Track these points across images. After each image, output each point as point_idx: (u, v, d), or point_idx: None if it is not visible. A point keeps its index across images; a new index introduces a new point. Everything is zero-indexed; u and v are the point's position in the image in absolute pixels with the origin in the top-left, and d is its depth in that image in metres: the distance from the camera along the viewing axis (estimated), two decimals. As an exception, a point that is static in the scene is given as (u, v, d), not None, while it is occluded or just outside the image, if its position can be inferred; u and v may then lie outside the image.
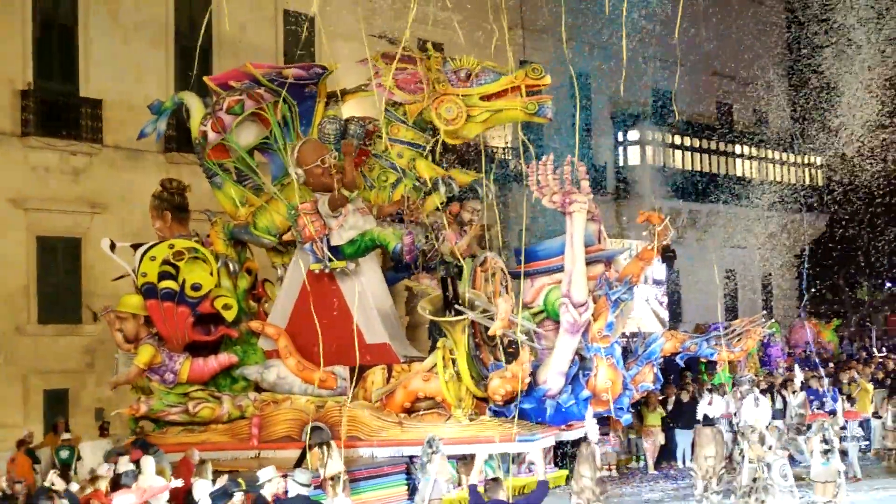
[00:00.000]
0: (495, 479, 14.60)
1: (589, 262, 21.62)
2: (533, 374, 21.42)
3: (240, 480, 16.41)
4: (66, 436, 23.21)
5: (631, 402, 22.63)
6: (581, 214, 20.78)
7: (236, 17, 31.47)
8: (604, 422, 23.68)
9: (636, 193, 42.01)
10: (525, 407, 21.26)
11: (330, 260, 22.23)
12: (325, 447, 19.72)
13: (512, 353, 21.68)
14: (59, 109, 28.09)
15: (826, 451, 20.10)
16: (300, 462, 19.72)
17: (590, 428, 20.16)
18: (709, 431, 22.28)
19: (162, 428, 23.08)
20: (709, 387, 27.18)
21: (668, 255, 23.17)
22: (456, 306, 21.47)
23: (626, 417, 22.74)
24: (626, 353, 23.52)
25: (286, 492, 16.22)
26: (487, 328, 21.59)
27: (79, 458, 22.03)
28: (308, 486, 16.00)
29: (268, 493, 16.20)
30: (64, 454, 22.47)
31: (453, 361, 21.31)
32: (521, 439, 21.08)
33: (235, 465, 21.28)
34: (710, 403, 24.70)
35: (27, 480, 20.03)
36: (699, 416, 24.18)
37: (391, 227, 22.58)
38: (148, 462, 18.29)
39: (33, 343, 27.44)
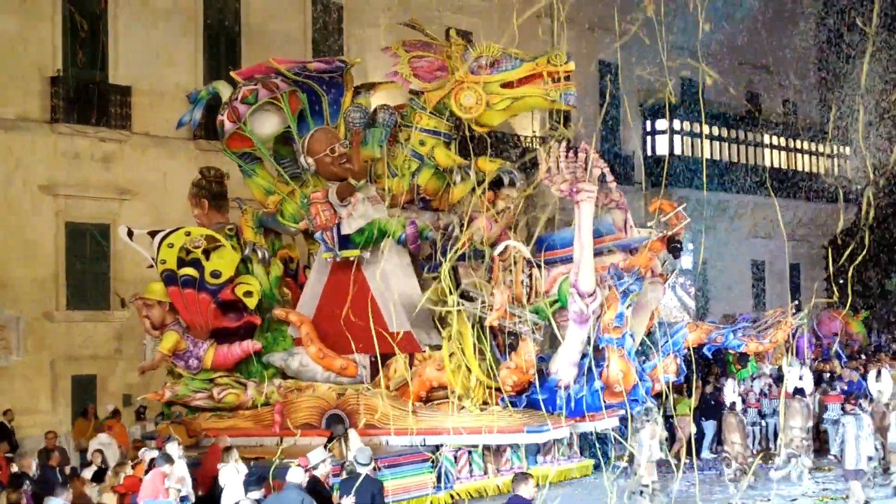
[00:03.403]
0: (524, 474, 14.59)
1: (607, 252, 21.53)
2: (546, 365, 21.42)
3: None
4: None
5: (653, 394, 22.39)
6: (589, 203, 20.30)
7: (265, 5, 31.60)
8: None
9: (664, 183, 41.80)
10: (538, 397, 21.07)
11: (340, 249, 22.30)
12: (341, 440, 19.90)
13: (511, 345, 21.56)
14: (89, 96, 28.19)
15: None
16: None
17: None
18: (797, 404, 22.45)
19: (193, 413, 23.29)
20: (801, 361, 27.61)
21: (674, 246, 22.83)
22: (450, 297, 21.40)
23: (639, 409, 22.35)
24: (651, 343, 23.28)
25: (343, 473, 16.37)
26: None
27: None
28: (369, 465, 16.10)
29: (320, 473, 16.30)
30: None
31: (464, 352, 21.31)
32: (531, 430, 21.04)
33: (261, 451, 21.45)
34: (800, 378, 24.89)
35: (124, 446, 21.23)
36: (790, 390, 24.13)
37: (399, 216, 22.55)
38: (172, 447, 18.42)
39: (62, 329, 27.62)
